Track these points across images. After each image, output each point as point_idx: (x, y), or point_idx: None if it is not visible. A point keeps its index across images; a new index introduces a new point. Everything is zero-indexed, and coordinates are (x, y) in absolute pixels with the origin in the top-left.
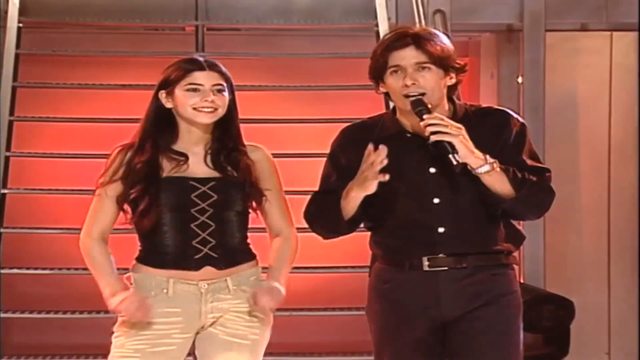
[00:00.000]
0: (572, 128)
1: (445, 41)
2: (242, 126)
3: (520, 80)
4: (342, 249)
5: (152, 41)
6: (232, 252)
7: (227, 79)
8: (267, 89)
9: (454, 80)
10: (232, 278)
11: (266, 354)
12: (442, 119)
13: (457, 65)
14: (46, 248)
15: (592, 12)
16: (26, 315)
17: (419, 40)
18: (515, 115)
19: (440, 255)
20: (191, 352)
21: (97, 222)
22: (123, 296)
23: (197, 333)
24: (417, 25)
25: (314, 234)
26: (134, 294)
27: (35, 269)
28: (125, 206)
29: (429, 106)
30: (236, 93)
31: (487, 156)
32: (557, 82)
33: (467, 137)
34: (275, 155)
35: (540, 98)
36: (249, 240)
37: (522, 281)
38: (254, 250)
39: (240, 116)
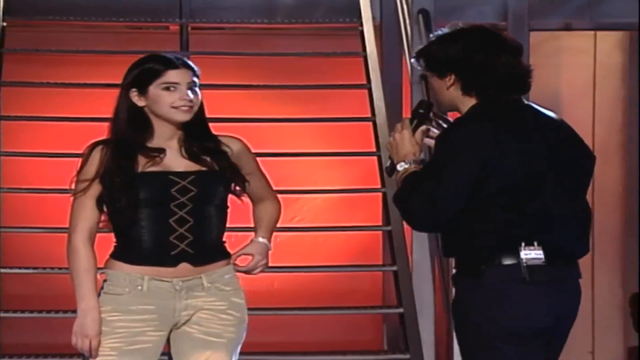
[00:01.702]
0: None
1: (434, 46)
2: (226, 125)
3: None
4: (326, 250)
5: (136, 40)
6: (209, 249)
7: (198, 76)
8: (252, 88)
9: (450, 80)
10: (206, 275)
11: (251, 352)
12: (403, 122)
13: (438, 64)
14: (35, 247)
15: (576, 12)
16: (26, 315)
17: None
18: (451, 129)
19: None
20: (164, 352)
21: (83, 220)
22: (93, 316)
23: (171, 331)
24: (402, 24)
25: (299, 235)
26: (99, 321)
27: (35, 268)
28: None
29: (420, 111)
30: (220, 92)
31: (403, 163)
32: (541, 82)
33: (398, 142)
34: (259, 155)
35: (524, 97)
36: (224, 239)
37: None
38: (228, 250)
39: (225, 115)
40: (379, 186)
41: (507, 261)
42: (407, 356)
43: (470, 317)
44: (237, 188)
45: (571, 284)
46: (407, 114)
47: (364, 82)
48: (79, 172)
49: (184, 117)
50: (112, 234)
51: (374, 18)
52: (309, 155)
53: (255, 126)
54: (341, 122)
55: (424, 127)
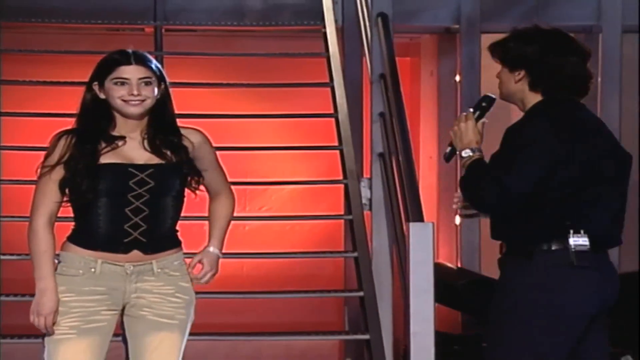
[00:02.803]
0: (505, 123)
1: (511, 43)
2: (197, 121)
3: (457, 78)
4: (292, 237)
5: (113, 41)
6: (160, 238)
7: (154, 72)
8: (222, 86)
9: (520, 75)
10: (157, 262)
11: (222, 333)
12: (468, 114)
13: (511, 60)
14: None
15: (523, 16)
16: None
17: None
18: (523, 124)
19: None
20: (117, 334)
21: (44, 205)
22: (50, 296)
23: (123, 314)
24: (362, 27)
25: (266, 223)
26: (56, 300)
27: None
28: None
29: (483, 104)
30: (192, 90)
31: (469, 150)
32: (492, 81)
33: (462, 131)
34: (228, 149)
35: (476, 95)
36: (177, 227)
37: (459, 266)
38: (179, 237)
39: (195, 111)
40: (341, 178)
41: (556, 246)
42: (367, 336)
43: (515, 295)
44: (193, 183)
45: (610, 269)
46: (367, 110)
47: (327, 80)
48: (45, 159)
49: (133, 110)
50: (71, 222)
51: (336, 21)
52: (276, 149)
53: (226, 122)
54: (306, 118)
55: (485, 120)
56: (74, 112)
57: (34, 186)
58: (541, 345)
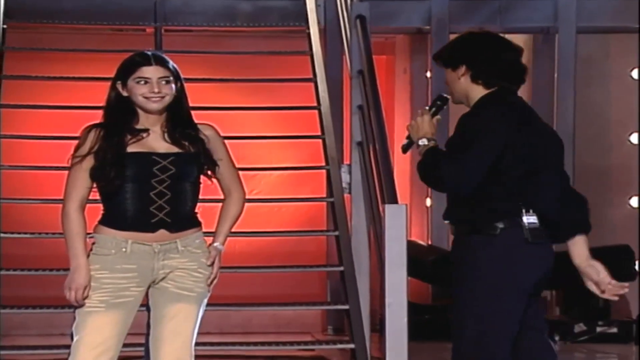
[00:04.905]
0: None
1: (449, 46)
2: (194, 112)
3: (428, 74)
4: (280, 218)
5: (117, 40)
6: (183, 219)
7: (172, 71)
8: (216, 82)
9: (462, 70)
10: (181, 240)
11: (217, 304)
12: (423, 110)
13: (451, 57)
14: (29, 216)
15: (488, 18)
16: (22, 272)
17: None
18: (476, 112)
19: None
20: (143, 304)
21: (76, 191)
22: (82, 272)
23: (149, 287)
24: (342, 27)
25: (256, 205)
26: (87, 276)
27: (30, 233)
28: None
29: (438, 103)
30: (189, 84)
31: (425, 139)
32: None
33: (419, 124)
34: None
35: (444, 89)
36: (197, 210)
37: (429, 243)
38: (199, 218)
39: (192, 104)
40: (323, 164)
41: (510, 225)
42: (347, 307)
43: (478, 270)
44: (209, 171)
45: (549, 246)
46: (347, 103)
47: (311, 76)
48: (76, 149)
49: (154, 106)
50: (100, 204)
51: (319, 22)
52: (264, 138)
53: (219, 113)
54: (291, 110)
55: (438, 117)
56: (79, 104)
57: (31, 171)
58: (504, 311)
